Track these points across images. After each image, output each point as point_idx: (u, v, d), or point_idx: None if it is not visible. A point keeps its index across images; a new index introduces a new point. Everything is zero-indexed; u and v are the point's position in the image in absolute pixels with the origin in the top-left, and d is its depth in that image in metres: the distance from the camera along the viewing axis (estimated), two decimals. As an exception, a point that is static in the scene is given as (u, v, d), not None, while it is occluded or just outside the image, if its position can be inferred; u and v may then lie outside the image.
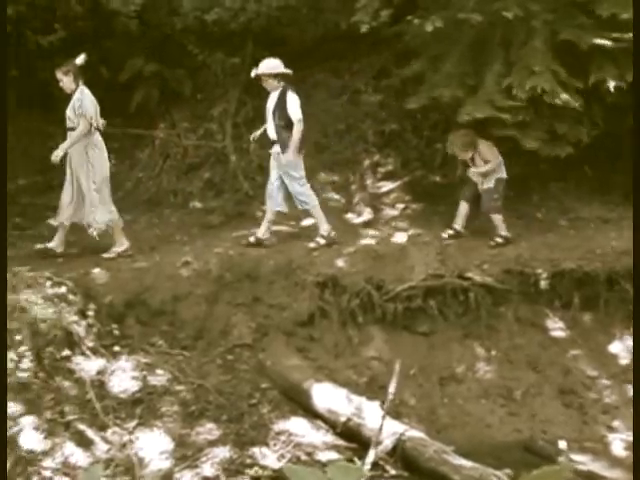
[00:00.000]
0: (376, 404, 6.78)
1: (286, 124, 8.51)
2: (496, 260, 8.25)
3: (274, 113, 8.60)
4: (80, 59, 8.45)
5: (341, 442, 6.69)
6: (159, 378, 7.09)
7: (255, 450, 6.46)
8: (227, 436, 6.59)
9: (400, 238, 8.79)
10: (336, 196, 10.17)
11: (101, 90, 11.32)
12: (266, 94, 8.67)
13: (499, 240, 8.61)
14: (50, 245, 8.48)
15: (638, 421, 4.80)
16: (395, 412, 6.98)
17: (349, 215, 9.67)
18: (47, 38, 10.90)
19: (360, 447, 6.56)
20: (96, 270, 7.87)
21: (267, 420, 6.83)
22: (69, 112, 8.37)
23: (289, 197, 8.72)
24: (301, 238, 8.90)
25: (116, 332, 7.39)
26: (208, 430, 6.66)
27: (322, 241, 8.52)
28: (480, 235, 8.77)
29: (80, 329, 7.17)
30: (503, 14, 8.40)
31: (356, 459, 6.29)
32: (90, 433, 6.45)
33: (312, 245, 8.50)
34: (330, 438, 6.74)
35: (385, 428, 6.37)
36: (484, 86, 8.69)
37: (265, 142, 8.92)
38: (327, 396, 6.96)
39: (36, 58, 11.10)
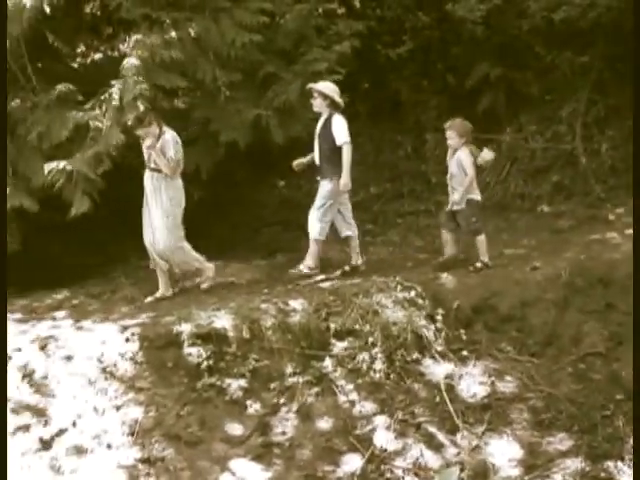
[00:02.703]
0: None
1: (330, 148, 8.18)
2: None
3: (319, 137, 8.32)
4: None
5: None
6: (508, 384, 7.00)
7: (609, 464, 6.15)
8: (579, 447, 6.33)
9: None
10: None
11: (447, 97, 11.56)
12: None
13: (478, 265, 8.13)
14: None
15: (638, 426, 4.20)
16: None
17: None
18: (395, 50, 11.32)
19: None
20: (444, 275, 7.97)
21: (622, 433, 6.46)
22: (174, 153, 7.96)
23: (344, 219, 8.56)
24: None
25: (464, 337, 7.41)
26: (559, 440, 6.44)
27: (305, 270, 8.34)
28: None
29: (429, 333, 7.29)
30: None
31: None
32: (440, 436, 6.53)
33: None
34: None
35: None
36: None
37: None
38: (690, 411, 6.46)
39: (386, 71, 11.57)
